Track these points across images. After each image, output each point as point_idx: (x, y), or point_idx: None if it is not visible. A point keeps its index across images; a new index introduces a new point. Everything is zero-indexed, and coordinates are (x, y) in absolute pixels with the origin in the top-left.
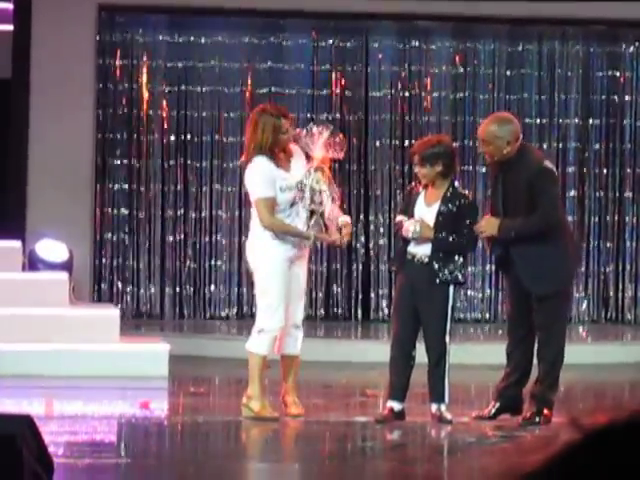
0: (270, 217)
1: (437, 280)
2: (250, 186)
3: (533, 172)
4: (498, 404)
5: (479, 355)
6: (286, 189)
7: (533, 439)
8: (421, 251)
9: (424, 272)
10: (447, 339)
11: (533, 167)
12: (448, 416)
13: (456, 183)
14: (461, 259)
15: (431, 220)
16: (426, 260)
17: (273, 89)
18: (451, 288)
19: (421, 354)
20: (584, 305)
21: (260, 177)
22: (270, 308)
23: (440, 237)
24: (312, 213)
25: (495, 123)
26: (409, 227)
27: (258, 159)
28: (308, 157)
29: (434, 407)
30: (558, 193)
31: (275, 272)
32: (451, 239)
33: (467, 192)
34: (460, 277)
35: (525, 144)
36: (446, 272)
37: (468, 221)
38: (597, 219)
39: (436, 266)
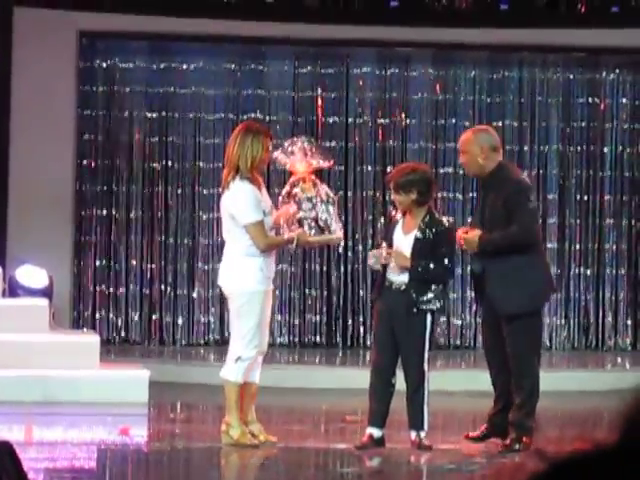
0: (265, 239)
1: (414, 309)
2: (238, 211)
3: (510, 187)
4: (486, 430)
5: (460, 382)
6: (268, 213)
7: (502, 468)
8: (399, 279)
9: (402, 300)
10: (425, 367)
11: (510, 183)
12: (427, 443)
13: (434, 211)
14: (440, 287)
15: (408, 248)
16: (403, 287)
17: (254, 115)
18: (429, 316)
19: (401, 381)
20: (564, 332)
21: (249, 201)
22: (248, 335)
23: (416, 266)
24: (301, 221)
25: (471, 131)
26: (370, 258)
27: (241, 183)
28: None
29: (413, 434)
30: (535, 208)
31: (255, 299)
32: (428, 267)
33: (446, 219)
34: (438, 305)
35: (505, 162)
36: (424, 300)
37: (444, 249)
38: (578, 246)
39: (414, 294)
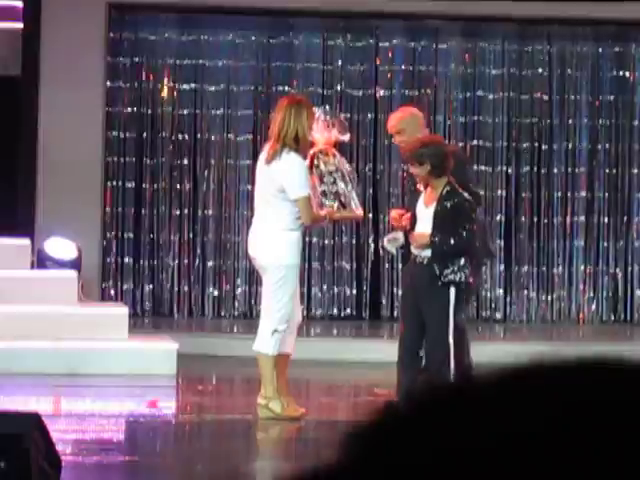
0: (312, 214)
1: (438, 282)
2: (290, 185)
3: None
4: None
5: (487, 354)
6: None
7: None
8: (422, 253)
9: (425, 273)
10: (450, 340)
11: None
12: None
13: (454, 183)
14: (462, 260)
15: (429, 220)
16: (426, 261)
17: (283, 88)
18: (452, 290)
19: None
20: (593, 306)
21: (301, 175)
22: (284, 308)
23: (436, 240)
24: (325, 194)
25: (400, 113)
26: (386, 243)
27: (292, 156)
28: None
29: None
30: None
31: (291, 273)
32: (448, 240)
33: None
34: (461, 278)
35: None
36: (446, 273)
37: (463, 221)
38: (606, 220)
39: (436, 268)
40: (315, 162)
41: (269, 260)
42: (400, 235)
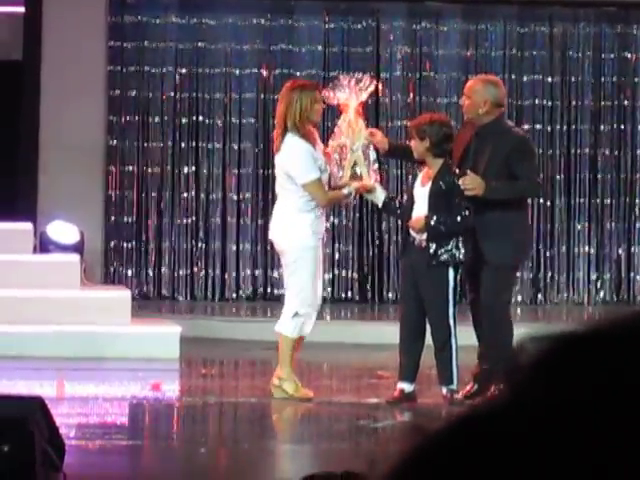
0: (325, 195)
1: (434, 262)
2: (294, 171)
3: (514, 140)
4: (476, 386)
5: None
6: (324, 170)
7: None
8: (421, 235)
9: (423, 255)
10: (451, 322)
11: (512, 136)
12: (459, 397)
13: (451, 164)
14: (459, 239)
15: (425, 200)
16: (424, 244)
17: (284, 71)
18: (450, 270)
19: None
20: (597, 287)
21: (303, 160)
22: (304, 290)
23: (431, 221)
24: (355, 163)
25: (480, 80)
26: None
27: (293, 140)
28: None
29: (444, 390)
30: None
31: (308, 255)
32: (443, 220)
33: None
34: (459, 257)
35: (503, 117)
36: (442, 253)
37: (458, 200)
38: (609, 201)
39: (432, 248)
40: (342, 125)
41: (284, 243)
42: (376, 190)
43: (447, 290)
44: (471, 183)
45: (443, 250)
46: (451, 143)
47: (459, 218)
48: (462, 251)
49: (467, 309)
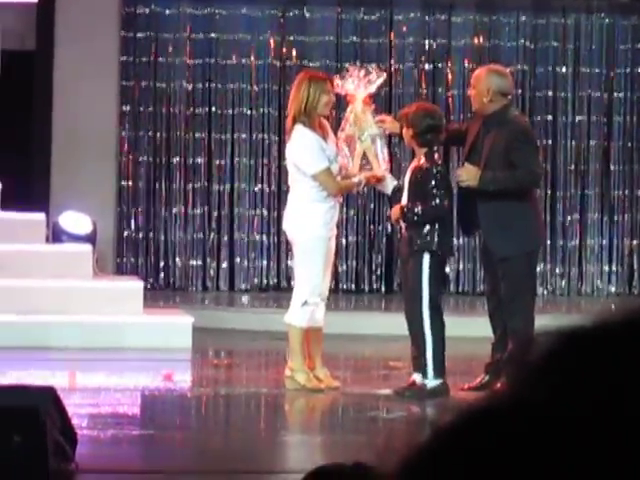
0: (336, 184)
1: (412, 249)
2: (302, 163)
3: (514, 128)
4: (487, 377)
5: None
6: (333, 160)
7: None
8: (397, 224)
9: (405, 243)
10: (425, 311)
11: (513, 124)
12: (432, 386)
13: (434, 154)
14: (435, 226)
15: (406, 187)
16: (405, 233)
17: (297, 62)
18: (426, 257)
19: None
20: (607, 278)
21: (310, 150)
22: (313, 280)
23: (406, 209)
24: (364, 153)
25: (484, 70)
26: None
27: (301, 131)
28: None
29: (417, 377)
30: (538, 155)
31: (319, 244)
32: (417, 208)
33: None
34: (432, 246)
35: (510, 106)
36: (418, 240)
37: (431, 188)
38: (620, 192)
39: (411, 235)
40: (350, 116)
41: (295, 232)
42: (385, 179)
43: (421, 278)
44: (465, 174)
45: (418, 238)
46: (439, 134)
47: (431, 206)
48: (436, 240)
49: (474, 300)
